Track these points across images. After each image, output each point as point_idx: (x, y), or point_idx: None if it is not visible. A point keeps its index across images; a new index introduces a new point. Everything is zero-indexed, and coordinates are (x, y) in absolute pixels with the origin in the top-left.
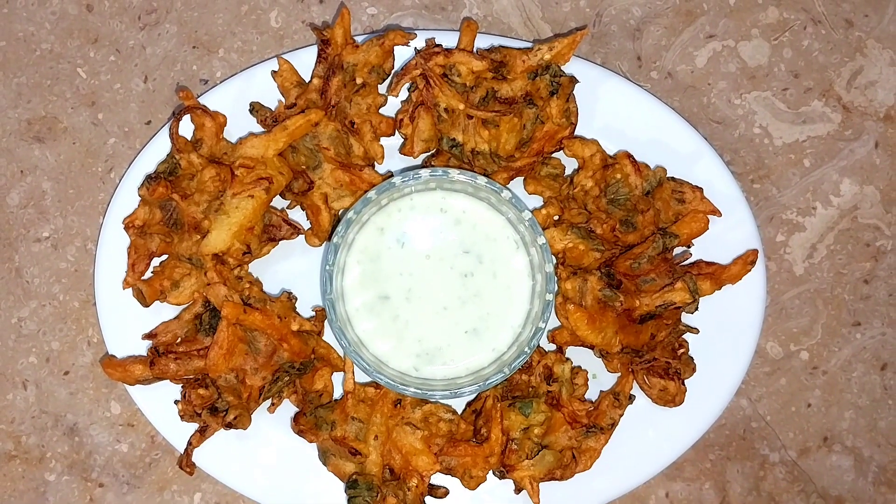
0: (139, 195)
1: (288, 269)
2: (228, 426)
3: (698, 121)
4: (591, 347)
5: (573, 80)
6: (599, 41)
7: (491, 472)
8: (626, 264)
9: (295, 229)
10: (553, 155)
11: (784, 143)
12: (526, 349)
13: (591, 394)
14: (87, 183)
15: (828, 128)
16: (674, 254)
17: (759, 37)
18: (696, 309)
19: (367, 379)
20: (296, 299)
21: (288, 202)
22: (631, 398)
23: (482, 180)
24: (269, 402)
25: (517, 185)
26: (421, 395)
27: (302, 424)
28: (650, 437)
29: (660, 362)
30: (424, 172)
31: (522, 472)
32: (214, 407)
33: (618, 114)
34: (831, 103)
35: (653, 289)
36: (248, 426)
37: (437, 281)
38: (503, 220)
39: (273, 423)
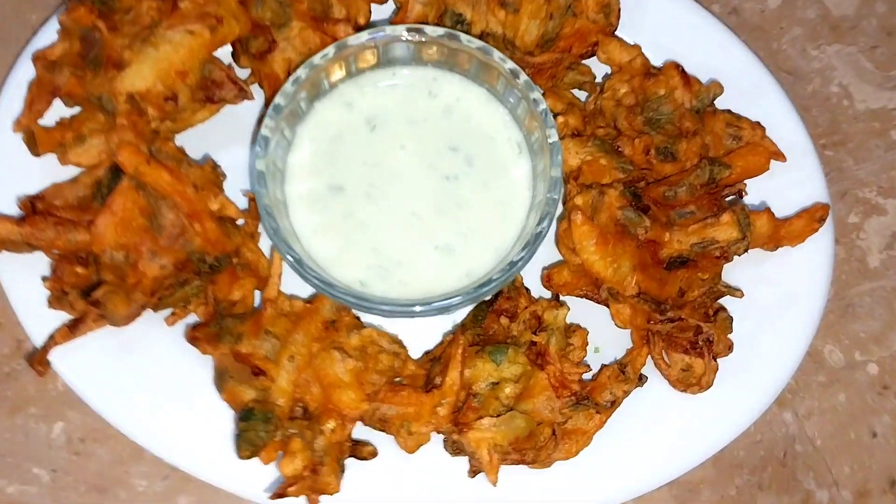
0: (59, 22)
1: (229, 155)
2: (93, 304)
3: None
4: (597, 287)
5: None
6: None
7: (442, 439)
8: (659, 191)
9: (241, 91)
10: (583, 62)
11: (868, 109)
12: (513, 259)
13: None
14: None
15: None
16: (723, 193)
17: None
18: (746, 249)
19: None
20: (224, 176)
21: (242, 68)
22: (642, 378)
23: (479, 44)
24: (169, 312)
25: None
26: (379, 312)
27: (198, 332)
28: (657, 436)
29: (687, 326)
30: (401, 28)
31: (480, 433)
32: (88, 290)
33: (668, 30)
34: None
35: (690, 222)
36: (123, 314)
37: (410, 179)
38: (507, 115)
39: (169, 339)
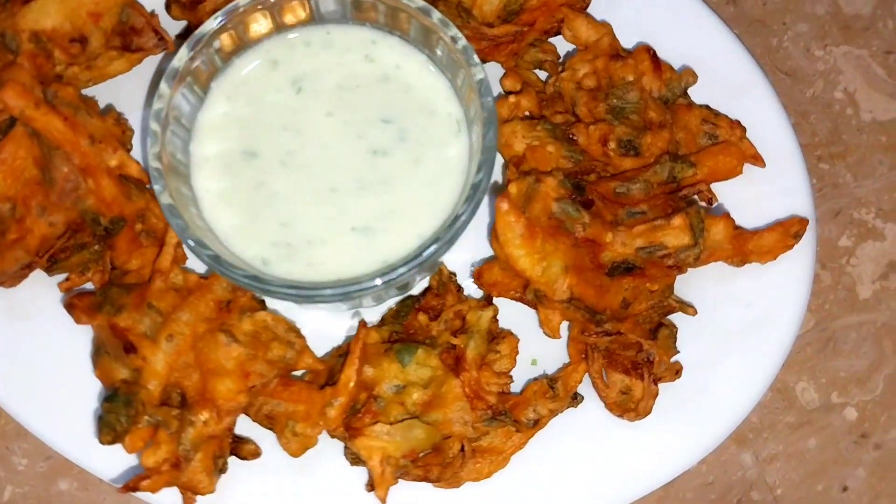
0: None
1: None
2: None
3: (762, 66)
4: (524, 287)
5: None
6: None
7: (342, 445)
8: (610, 186)
9: (161, 41)
10: (549, 41)
11: (874, 120)
12: (432, 247)
13: None
14: None
15: None
16: (687, 194)
17: None
18: (697, 259)
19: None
20: (131, 132)
21: (175, 19)
22: (577, 397)
23: (420, 4)
24: (63, 278)
25: (488, 71)
26: (275, 294)
27: (78, 299)
28: (587, 466)
29: (629, 343)
30: None
31: (370, 440)
32: None
33: (648, 11)
34: None
35: (639, 223)
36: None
37: (333, 150)
38: (448, 87)
39: (61, 308)
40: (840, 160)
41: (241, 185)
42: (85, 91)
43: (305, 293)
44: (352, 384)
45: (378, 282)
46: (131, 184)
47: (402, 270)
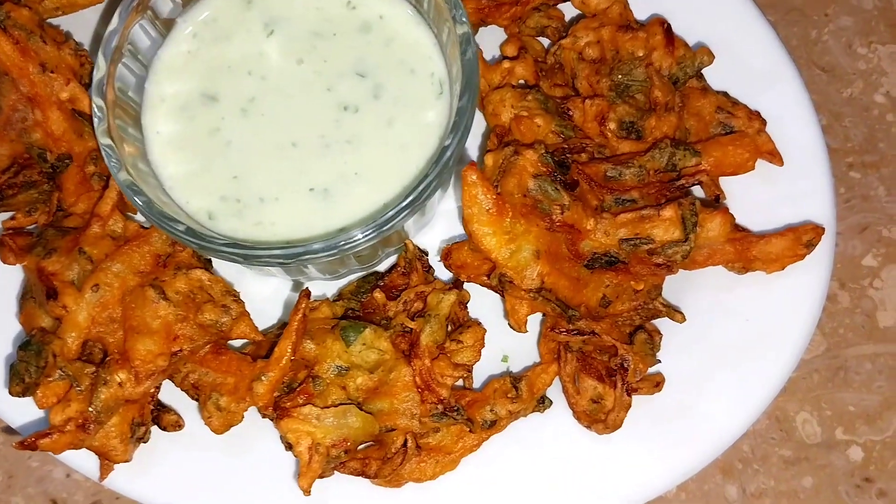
0: None
1: None
2: None
3: (795, 58)
4: (488, 275)
5: None
6: None
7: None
8: (600, 168)
9: None
10: (555, 6)
11: None
12: (391, 214)
13: None
14: None
15: None
16: (685, 184)
17: None
18: (686, 255)
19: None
20: (91, 65)
21: None
22: (544, 401)
23: None
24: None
25: (489, 37)
26: (213, 251)
27: (10, 237)
28: (549, 479)
29: (603, 345)
30: None
31: (298, 423)
32: None
33: None
34: None
35: (624, 211)
36: None
37: (299, 101)
38: (433, 44)
39: None
40: (873, 170)
41: (195, 131)
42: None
43: (244, 252)
44: (286, 359)
45: (323, 245)
46: (84, 120)
47: (355, 235)
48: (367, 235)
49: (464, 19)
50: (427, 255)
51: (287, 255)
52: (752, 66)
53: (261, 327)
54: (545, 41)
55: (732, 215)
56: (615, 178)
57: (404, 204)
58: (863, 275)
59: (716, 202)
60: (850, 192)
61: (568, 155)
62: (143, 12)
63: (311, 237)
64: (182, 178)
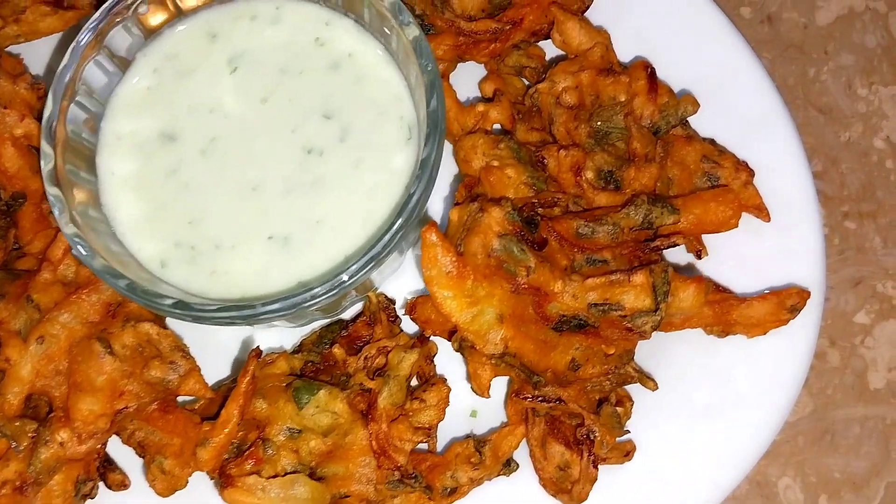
0: None
1: None
2: None
3: (790, 98)
4: (451, 333)
5: None
6: None
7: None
8: (571, 224)
9: None
10: (536, 44)
11: None
12: (343, 277)
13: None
14: None
15: None
16: (659, 246)
17: None
18: (656, 326)
19: None
20: (41, 92)
21: None
22: (510, 464)
23: None
24: None
25: (467, 73)
26: (159, 309)
27: None
28: None
29: (569, 412)
30: None
31: (243, 496)
32: None
33: (662, 21)
34: None
35: (594, 274)
36: None
37: (262, 143)
38: (403, 85)
39: None
40: (870, 220)
41: (151, 171)
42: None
43: (192, 314)
44: (232, 424)
45: (279, 305)
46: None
47: (315, 291)
48: (327, 293)
49: (410, 22)
50: (394, 303)
51: (239, 317)
52: (742, 111)
53: (224, 368)
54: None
55: (709, 283)
56: (587, 235)
57: (367, 258)
58: (854, 332)
59: (697, 258)
60: (844, 243)
61: (538, 210)
62: (99, 49)
63: (267, 294)
64: (136, 222)
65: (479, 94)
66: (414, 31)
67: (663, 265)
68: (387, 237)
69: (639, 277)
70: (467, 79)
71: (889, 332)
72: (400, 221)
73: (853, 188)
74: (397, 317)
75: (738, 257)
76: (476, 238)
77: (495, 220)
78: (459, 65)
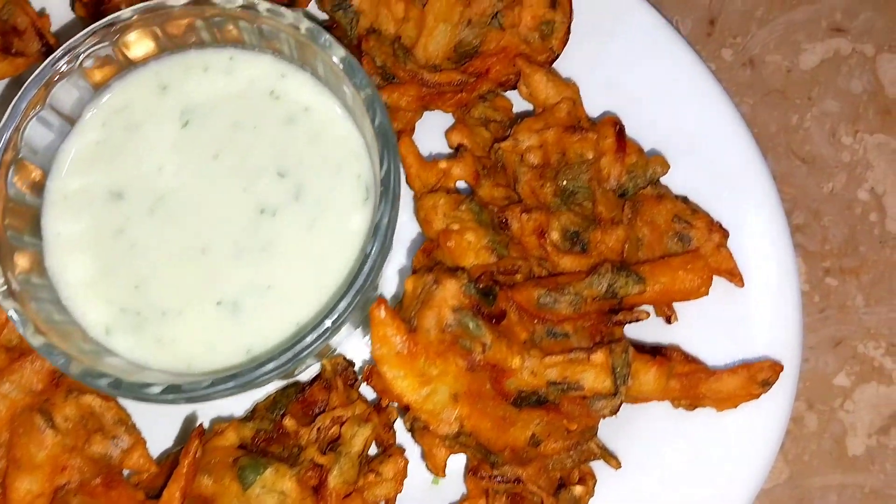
0: None
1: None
2: None
3: (771, 146)
4: (405, 408)
5: None
6: None
7: None
8: (532, 294)
9: (45, 46)
10: (503, 94)
11: None
12: (308, 341)
13: None
14: None
15: None
16: (622, 321)
17: None
18: (616, 410)
19: None
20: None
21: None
22: None
23: (308, 25)
24: None
25: (435, 120)
26: (95, 384)
27: None
28: None
29: (527, 492)
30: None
31: None
32: None
33: (635, 70)
34: None
35: (554, 348)
36: None
37: (212, 202)
38: (362, 144)
39: None
40: (852, 277)
41: (98, 231)
42: None
43: (133, 395)
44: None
45: (228, 386)
46: None
47: (266, 367)
48: (278, 367)
49: (363, 81)
50: (353, 365)
51: (182, 398)
52: (718, 166)
53: (174, 432)
54: None
55: (674, 360)
56: (548, 305)
57: (321, 331)
58: (833, 395)
59: (667, 323)
60: (825, 301)
61: (497, 279)
62: (43, 105)
63: (214, 369)
64: (81, 285)
65: (446, 142)
66: (367, 89)
67: (623, 345)
68: (341, 305)
69: (598, 356)
70: (435, 125)
71: (869, 395)
72: (354, 290)
73: (835, 243)
74: (356, 380)
75: (710, 322)
76: (430, 312)
77: (450, 294)
78: (426, 113)
